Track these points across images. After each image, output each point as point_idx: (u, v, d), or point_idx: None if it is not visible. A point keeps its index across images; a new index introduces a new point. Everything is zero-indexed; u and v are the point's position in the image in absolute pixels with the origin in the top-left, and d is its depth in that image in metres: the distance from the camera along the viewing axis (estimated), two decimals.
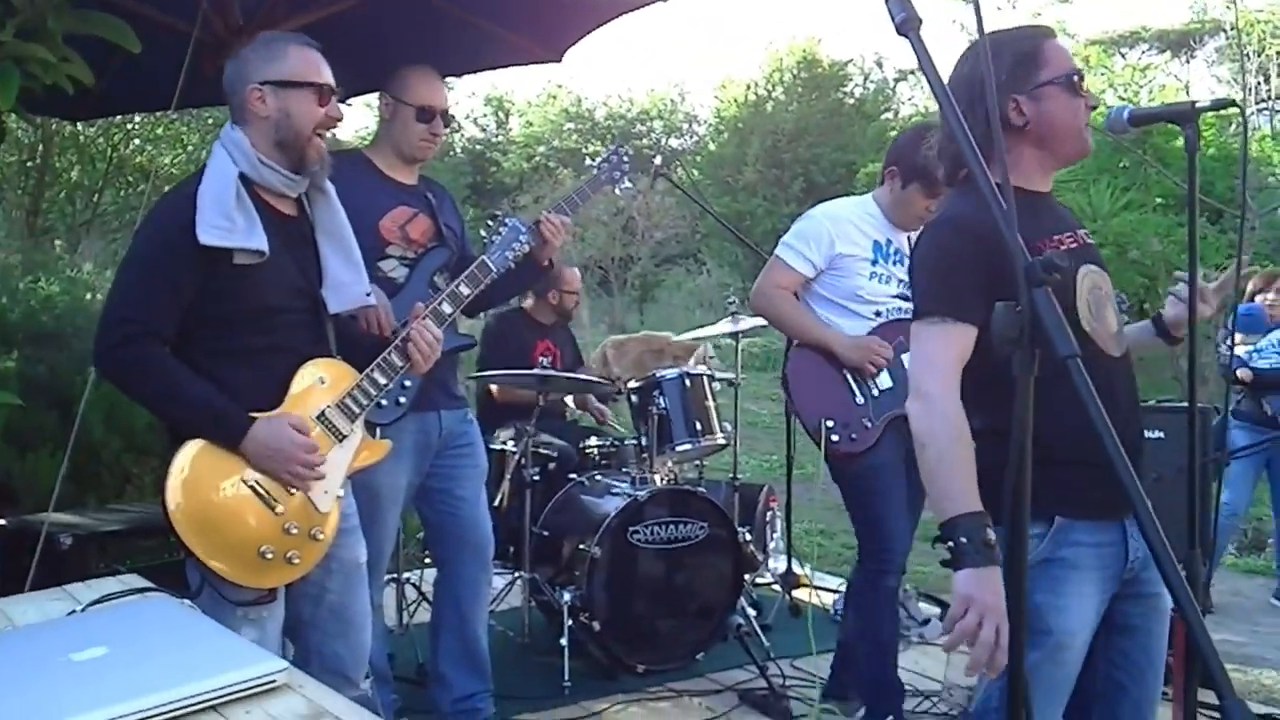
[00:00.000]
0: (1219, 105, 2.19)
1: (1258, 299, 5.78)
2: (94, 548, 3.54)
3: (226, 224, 2.17)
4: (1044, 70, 2.02)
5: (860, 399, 3.28)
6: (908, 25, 1.38)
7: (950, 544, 1.79)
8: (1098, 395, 1.98)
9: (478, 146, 29.73)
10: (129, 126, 8.68)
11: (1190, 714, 2.24)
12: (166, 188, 8.68)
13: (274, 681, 1.38)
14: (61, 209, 9.15)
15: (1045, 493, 1.70)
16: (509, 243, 2.88)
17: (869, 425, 3.27)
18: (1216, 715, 3.02)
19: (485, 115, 31.33)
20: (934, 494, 1.85)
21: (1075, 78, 2.04)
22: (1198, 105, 2.14)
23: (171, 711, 1.27)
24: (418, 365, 2.49)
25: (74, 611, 1.72)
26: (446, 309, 2.66)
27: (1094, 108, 2.10)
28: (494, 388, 4.89)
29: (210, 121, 8.94)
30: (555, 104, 30.06)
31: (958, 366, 1.90)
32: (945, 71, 1.99)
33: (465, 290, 2.75)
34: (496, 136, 31.02)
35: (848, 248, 3.34)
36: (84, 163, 8.29)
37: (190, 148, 9.25)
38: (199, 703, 1.30)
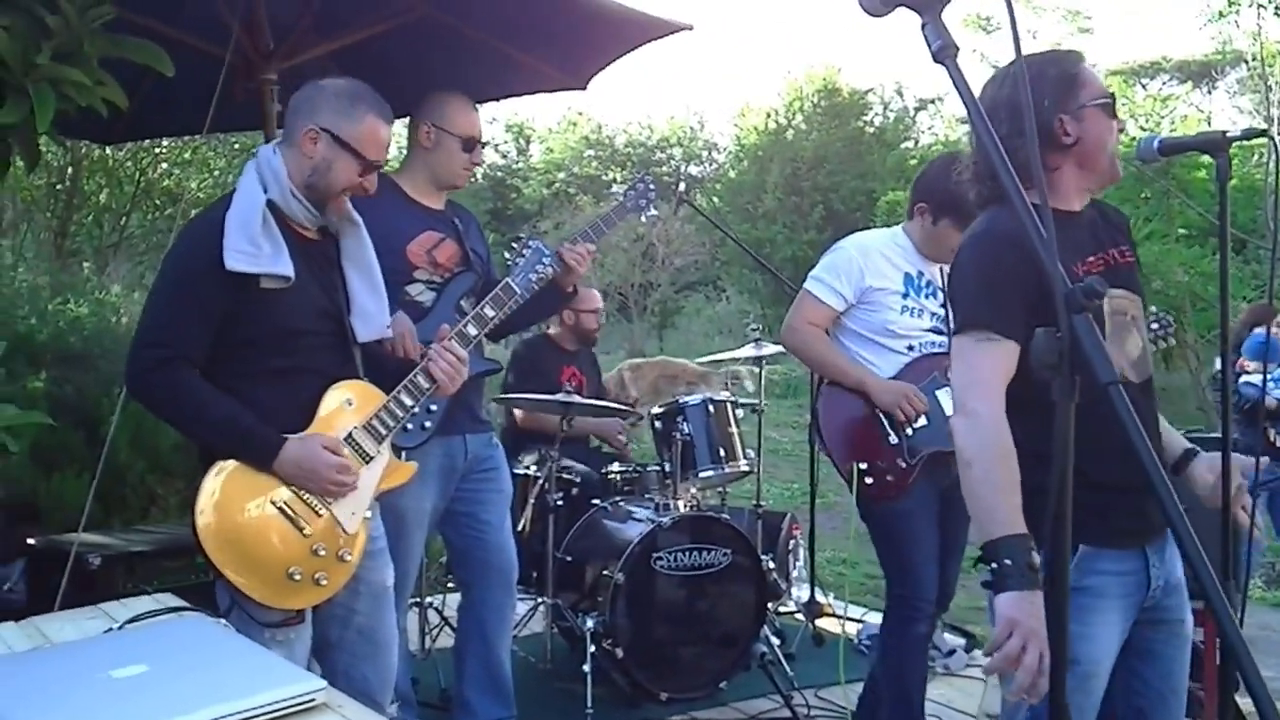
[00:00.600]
0: (1249, 135, 2.18)
1: (1256, 331, 5.70)
2: (122, 568, 3.56)
3: (253, 249, 2.20)
4: (1084, 91, 2.03)
5: (894, 439, 3.17)
6: (945, 53, 1.38)
7: (993, 566, 1.77)
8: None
9: (499, 173, 29.91)
10: (157, 150, 8.77)
11: None
12: (194, 211, 8.79)
13: (313, 701, 1.38)
14: (89, 231, 9.24)
15: (1073, 519, 1.68)
16: (532, 265, 2.89)
17: (904, 465, 3.15)
18: None
19: (506, 142, 31.56)
20: (977, 514, 1.83)
21: (1110, 100, 2.05)
22: (1228, 135, 2.14)
23: None
24: (444, 386, 2.50)
25: (111, 629, 1.73)
26: (472, 331, 2.67)
27: (1121, 130, 2.11)
28: (518, 413, 4.89)
29: (237, 146, 9.04)
30: (575, 131, 30.24)
31: (1003, 383, 1.89)
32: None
33: (490, 313, 2.76)
34: (517, 163, 31.22)
35: (878, 280, 3.25)
36: (112, 186, 8.38)
37: (217, 172, 9.35)
38: None
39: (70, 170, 8.40)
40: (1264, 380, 5.32)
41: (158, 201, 9.24)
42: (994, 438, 1.83)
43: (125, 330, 6.18)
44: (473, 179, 3.68)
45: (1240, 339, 5.78)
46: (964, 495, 1.85)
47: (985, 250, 1.99)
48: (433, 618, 4.36)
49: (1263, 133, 2.19)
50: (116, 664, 1.41)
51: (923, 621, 3.24)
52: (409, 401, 2.43)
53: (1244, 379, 5.63)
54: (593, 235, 3.22)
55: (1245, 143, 2.22)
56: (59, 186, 8.61)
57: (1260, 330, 5.70)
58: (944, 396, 3.14)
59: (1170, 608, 2.06)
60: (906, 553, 3.22)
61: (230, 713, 1.29)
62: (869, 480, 3.17)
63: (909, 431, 3.17)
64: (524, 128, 31.79)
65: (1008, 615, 1.72)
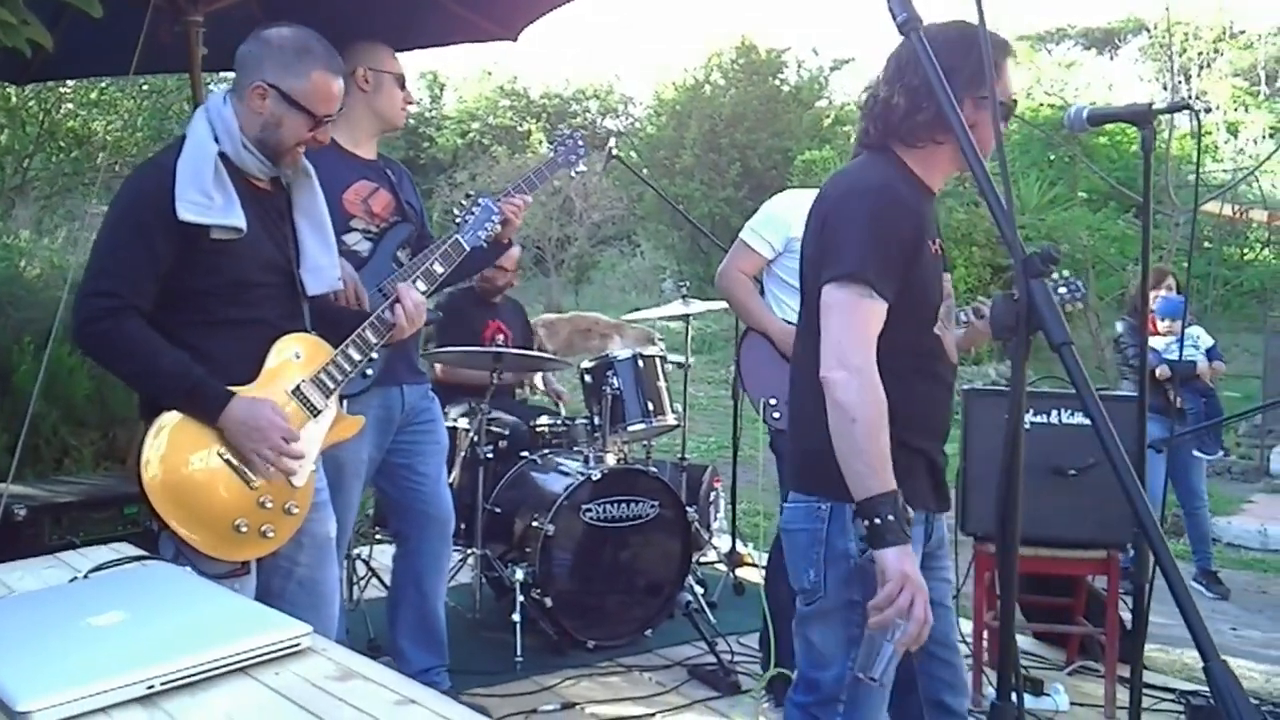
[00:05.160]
0: (1175, 108, 2.30)
1: (1148, 295, 5.85)
2: (48, 520, 3.49)
3: (205, 200, 2.17)
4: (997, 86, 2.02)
5: None
6: (909, 25, 1.45)
7: (875, 520, 1.81)
8: (942, 394, 2.11)
9: (411, 121, 29.30)
10: (62, 91, 8.43)
11: (1136, 690, 2.37)
12: (101, 155, 8.52)
13: (298, 645, 1.41)
14: None
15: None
16: (482, 222, 2.89)
17: None
18: (1153, 693, 3.18)
19: (419, 90, 30.88)
20: (859, 470, 1.83)
21: (1010, 106, 2.10)
22: (1154, 107, 2.26)
23: (204, 673, 1.30)
24: (402, 327, 2.50)
25: (75, 578, 1.72)
26: (422, 287, 2.67)
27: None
28: (439, 367, 4.88)
29: (145, 87, 8.74)
30: (490, 80, 29.75)
31: (875, 343, 1.91)
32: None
33: (439, 269, 2.76)
34: (430, 112, 30.60)
35: (803, 232, 3.42)
36: (14, 127, 8.01)
37: (126, 114, 9.02)
38: (229, 665, 1.32)
39: None
40: (1180, 348, 5.52)
41: (62, 144, 8.88)
42: (877, 397, 1.86)
43: (36, 277, 5.99)
44: None
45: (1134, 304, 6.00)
46: (839, 450, 1.86)
47: (885, 209, 1.97)
48: (360, 569, 4.37)
49: (1187, 106, 2.31)
50: (92, 611, 1.41)
51: None
52: (357, 356, 2.42)
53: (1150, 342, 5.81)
54: (528, 186, 3.24)
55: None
56: None
57: (1175, 295, 5.89)
58: None
59: (939, 558, 2.22)
60: None
61: (219, 656, 1.30)
62: (776, 415, 3.40)
63: None
64: (437, 76, 31.18)
65: (901, 570, 1.79)
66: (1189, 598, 1.02)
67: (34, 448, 4.85)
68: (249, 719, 1.22)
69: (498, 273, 5.03)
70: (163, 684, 1.26)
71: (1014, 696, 1.32)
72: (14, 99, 7.48)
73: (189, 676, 1.27)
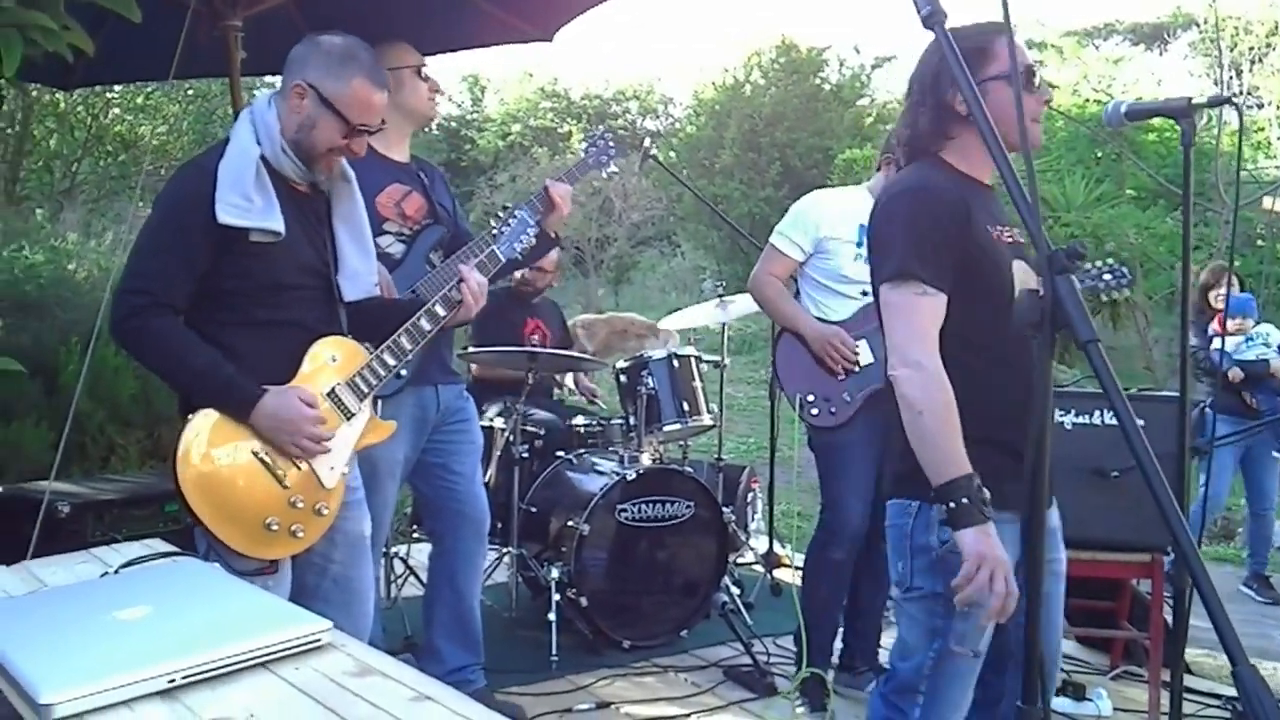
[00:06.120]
0: (1215, 102, 2.25)
1: (1210, 294, 5.79)
2: (90, 516, 3.55)
3: (245, 203, 2.20)
4: (991, 66, 2.08)
5: (841, 375, 3.42)
6: (934, 19, 1.44)
7: (951, 504, 1.87)
8: (1022, 379, 2.08)
9: (453, 123, 29.52)
10: (109, 95, 8.57)
11: (1176, 695, 2.33)
12: (147, 159, 8.66)
13: (319, 640, 1.42)
14: (40, 177, 9.02)
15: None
16: (518, 234, 2.90)
17: (848, 400, 3.41)
18: (1198, 699, 3.13)
19: (460, 92, 31.12)
20: (933, 458, 1.91)
21: (1011, 74, 2.08)
22: (1194, 101, 2.21)
23: (225, 667, 1.31)
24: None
25: (106, 574, 1.75)
26: (456, 296, 2.67)
27: (1047, 102, 2.18)
28: (473, 366, 4.91)
29: (191, 92, 8.88)
30: (531, 82, 29.90)
31: (937, 335, 1.98)
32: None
33: None
34: (472, 114, 30.80)
35: (832, 230, 3.48)
36: (63, 131, 8.16)
37: (171, 118, 9.16)
38: (250, 659, 1.33)
39: (20, 115, 8.19)
40: (1221, 348, 5.40)
41: (109, 148, 9.03)
42: (942, 386, 1.93)
43: (83, 279, 6.10)
44: (426, 128, 3.73)
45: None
46: (912, 442, 1.95)
47: (922, 204, 2.05)
48: (397, 567, 4.40)
49: (1228, 100, 2.26)
50: (118, 606, 1.43)
51: (837, 549, 3.47)
52: (392, 361, 2.44)
53: (1217, 345, 5.69)
54: (569, 179, 3.29)
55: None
56: (9, 131, 8.39)
57: (1208, 295, 5.80)
58: None
59: (1049, 547, 2.17)
60: (835, 482, 3.48)
61: (240, 651, 1.31)
62: (814, 411, 3.45)
63: (856, 369, 3.42)
64: (479, 78, 31.37)
65: (977, 550, 1.84)
66: (1218, 601, 1.00)
67: (80, 446, 4.93)
68: (268, 713, 1.24)
69: (537, 274, 5.06)
70: (183, 678, 1.27)
71: (1040, 699, 1.30)
72: (63, 104, 7.63)
73: (209, 671, 1.29)
